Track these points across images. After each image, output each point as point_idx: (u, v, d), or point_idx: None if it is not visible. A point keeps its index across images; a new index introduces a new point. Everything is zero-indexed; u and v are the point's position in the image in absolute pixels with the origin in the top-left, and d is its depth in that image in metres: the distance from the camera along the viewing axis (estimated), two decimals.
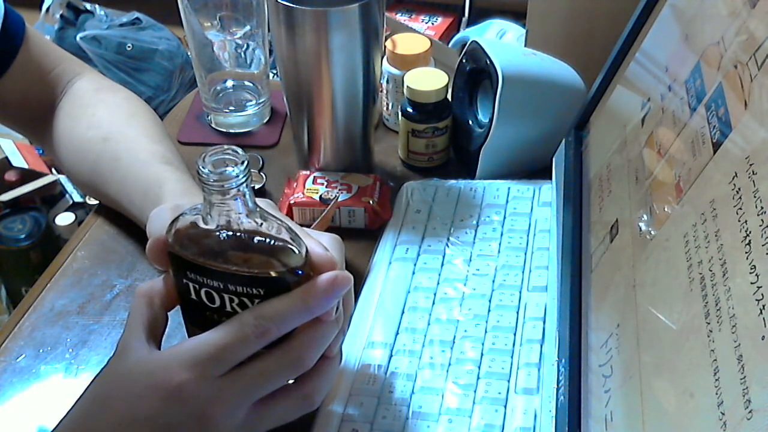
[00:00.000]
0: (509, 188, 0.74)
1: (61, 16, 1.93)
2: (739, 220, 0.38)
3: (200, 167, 0.45)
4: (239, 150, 0.46)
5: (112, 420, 0.47)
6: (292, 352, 0.49)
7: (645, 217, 0.50)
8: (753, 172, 0.38)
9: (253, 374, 0.48)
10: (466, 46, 0.78)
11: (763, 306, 0.34)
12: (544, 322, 0.60)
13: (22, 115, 0.77)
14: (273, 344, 0.49)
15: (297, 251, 0.49)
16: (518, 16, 0.99)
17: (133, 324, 0.50)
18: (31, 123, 0.78)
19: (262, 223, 0.48)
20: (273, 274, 0.48)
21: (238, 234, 0.48)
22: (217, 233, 0.48)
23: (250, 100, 0.86)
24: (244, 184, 0.46)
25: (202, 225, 0.48)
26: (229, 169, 0.46)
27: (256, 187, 0.77)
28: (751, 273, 0.36)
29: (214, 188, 0.45)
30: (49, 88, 0.75)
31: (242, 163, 0.46)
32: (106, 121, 0.72)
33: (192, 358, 0.47)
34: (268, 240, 0.48)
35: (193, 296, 0.50)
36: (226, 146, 0.47)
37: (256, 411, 0.49)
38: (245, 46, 0.83)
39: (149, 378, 0.47)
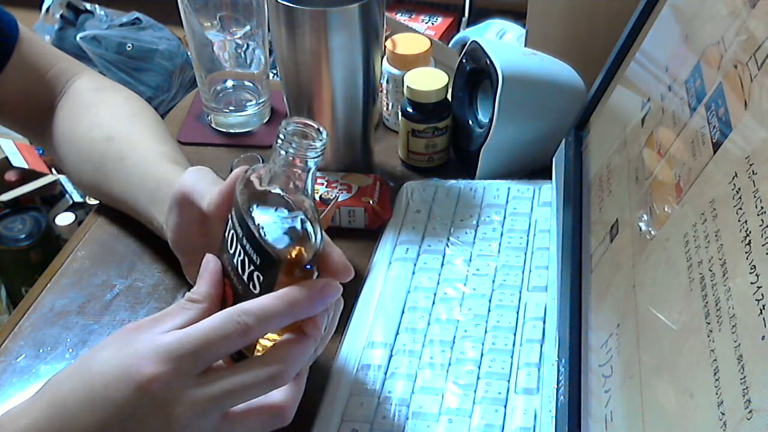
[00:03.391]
0: (509, 188, 0.74)
1: (61, 16, 1.93)
2: (739, 220, 0.38)
3: (283, 128, 0.48)
4: (322, 128, 0.49)
5: (87, 397, 0.46)
6: (273, 365, 0.47)
7: (645, 217, 0.50)
8: (753, 172, 0.38)
9: (230, 383, 0.46)
10: (466, 46, 0.78)
11: (763, 306, 0.34)
12: (544, 322, 0.60)
13: (21, 115, 0.77)
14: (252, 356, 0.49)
15: (312, 246, 0.49)
16: (518, 16, 0.99)
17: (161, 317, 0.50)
18: (30, 123, 0.77)
19: (305, 204, 0.50)
20: (276, 251, 0.48)
21: (286, 199, 0.49)
22: (273, 188, 0.49)
23: (250, 100, 0.86)
24: (315, 161, 0.48)
25: (264, 177, 0.50)
26: (309, 140, 0.48)
27: None
28: (751, 273, 0.36)
29: (290, 152, 0.48)
30: (47, 88, 0.75)
31: (320, 141, 0.48)
32: (108, 120, 0.72)
33: (170, 351, 0.46)
34: (296, 222, 0.49)
35: (226, 232, 0.51)
36: (309, 120, 0.49)
37: (226, 421, 0.48)
38: (245, 46, 0.83)
39: (127, 362, 0.46)
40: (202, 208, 0.56)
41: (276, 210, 0.50)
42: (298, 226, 0.49)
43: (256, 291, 0.49)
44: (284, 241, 0.49)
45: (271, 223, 0.49)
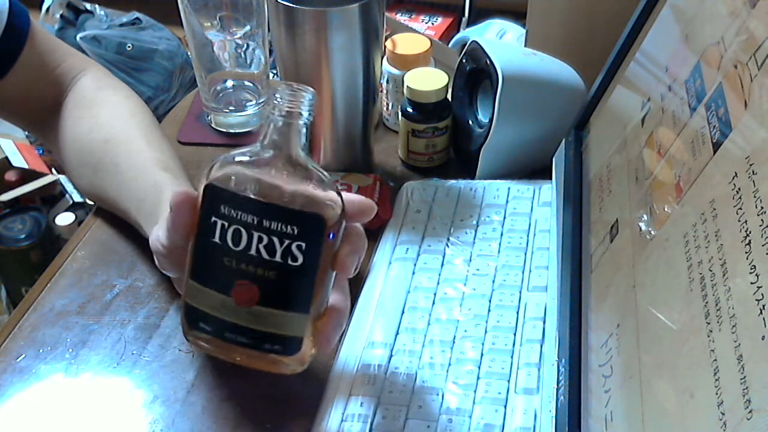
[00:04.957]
0: (509, 188, 0.74)
1: (61, 16, 1.93)
2: (739, 220, 0.38)
3: (275, 91, 0.52)
4: (309, 88, 0.53)
5: None
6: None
7: (645, 217, 0.50)
8: (753, 172, 0.38)
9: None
10: (466, 46, 0.78)
11: (763, 306, 0.34)
12: (544, 322, 0.60)
13: (28, 112, 0.77)
14: None
15: (336, 200, 0.51)
16: (518, 16, 0.99)
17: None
18: (36, 120, 0.77)
19: (310, 163, 0.52)
20: (315, 212, 0.50)
21: (289, 162, 0.51)
22: (268, 162, 0.51)
23: (250, 100, 0.86)
24: (308, 114, 0.52)
25: (249, 157, 0.52)
26: (303, 93, 0.52)
27: None
28: (751, 273, 0.36)
29: (285, 107, 0.51)
30: (54, 85, 0.75)
31: (310, 94, 0.52)
32: (107, 122, 0.72)
33: None
34: (316, 178, 0.51)
35: (217, 238, 0.50)
36: (297, 84, 0.53)
37: None
38: (245, 46, 0.83)
39: None
40: None
41: (292, 176, 0.51)
42: (320, 182, 0.51)
43: (299, 262, 0.50)
44: (317, 200, 0.50)
45: (295, 190, 0.51)
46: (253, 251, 0.49)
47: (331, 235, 0.51)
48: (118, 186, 0.68)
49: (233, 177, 0.51)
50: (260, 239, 0.49)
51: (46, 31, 0.77)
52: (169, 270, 0.59)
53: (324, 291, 0.53)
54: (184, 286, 0.54)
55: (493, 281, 0.65)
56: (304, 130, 0.52)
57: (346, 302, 0.55)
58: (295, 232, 0.49)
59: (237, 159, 0.52)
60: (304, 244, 0.49)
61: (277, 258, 0.49)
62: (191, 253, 0.53)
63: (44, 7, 1.95)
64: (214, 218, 0.50)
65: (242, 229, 0.50)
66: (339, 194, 0.52)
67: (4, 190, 1.66)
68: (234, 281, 0.51)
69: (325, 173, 0.52)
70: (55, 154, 0.77)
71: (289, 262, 0.49)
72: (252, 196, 0.50)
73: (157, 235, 0.56)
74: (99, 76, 0.77)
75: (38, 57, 0.74)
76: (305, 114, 0.52)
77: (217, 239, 0.50)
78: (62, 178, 1.69)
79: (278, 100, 0.52)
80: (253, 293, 0.50)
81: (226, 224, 0.50)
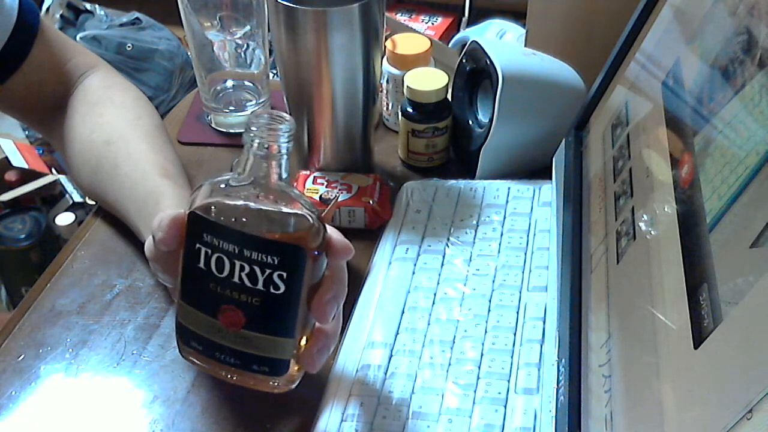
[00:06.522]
0: (509, 188, 0.74)
1: (61, 16, 1.93)
2: None
3: (251, 122, 0.50)
4: (287, 116, 0.51)
5: None
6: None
7: (645, 217, 0.50)
8: None
9: None
10: (466, 46, 0.78)
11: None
12: (544, 322, 0.60)
13: (34, 109, 0.76)
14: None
15: (317, 227, 0.51)
16: (518, 16, 0.99)
17: None
18: (42, 117, 0.77)
19: (292, 192, 0.51)
20: (296, 244, 0.50)
21: (269, 193, 0.50)
22: (248, 192, 0.50)
23: (250, 100, 0.86)
24: (287, 145, 0.51)
25: (233, 184, 0.51)
26: (279, 126, 0.50)
27: None
28: None
29: (261, 141, 0.50)
30: (62, 83, 0.75)
31: (288, 124, 0.51)
32: (110, 123, 0.72)
33: None
34: (295, 208, 0.51)
35: (202, 264, 0.50)
36: (274, 112, 0.52)
37: None
38: (245, 46, 0.83)
39: None
40: None
41: (273, 205, 0.51)
42: (301, 211, 0.51)
43: (280, 290, 0.50)
44: (298, 229, 0.50)
45: (276, 219, 0.50)
46: (236, 279, 0.50)
47: (314, 260, 0.51)
48: (118, 189, 0.68)
49: (214, 206, 0.51)
50: (242, 268, 0.49)
51: (54, 28, 0.77)
52: (162, 277, 0.59)
53: (309, 315, 0.53)
54: (176, 304, 0.54)
55: (493, 281, 0.65)
56: (284, 159, 0.51)
57: (336, 325, 0.55)
58: (276, 262, 0.49)
59: (220, 186, 0.51)
60: (285, 274, 0.49)
61: (260, 286, 0.50)
62: (181, 275, 0.53)
63: (44, 7, 1.95)
64: (198, 245, 0.50)
65: (225, 258, 0.50)
66: (321, 221, 0.51)
67: (4, 190, 1.66)
68: (220, 305, 0.51)
69: (306, 199, 0.52)
70: (59, 151, 0.77)
71: (272, 290, 0.50)
72: (232, 227, 0.50)
73: (151, 243, 0.56)
74: (107, 75, 0.77)
75: (47, 54, 0.73)
76: (284, 148, 0.51)
77: (202, 265, 0.51)
78: (62, 178, 1.69)
79: (254, 131, 0.50)
80: (239, 318, 0.51)
81: (210, 251, 0.50)
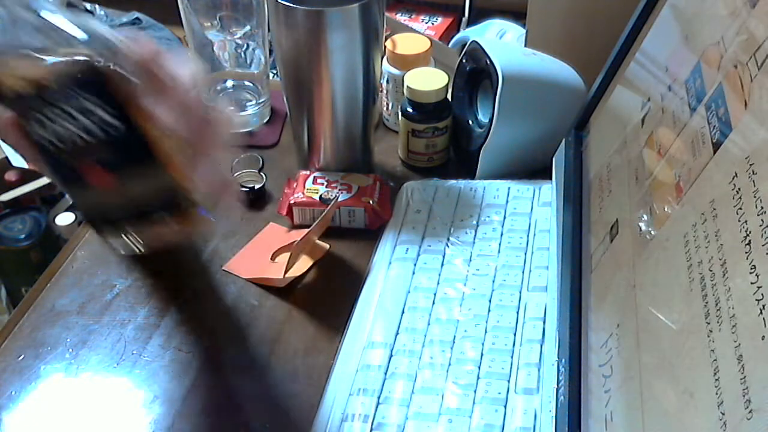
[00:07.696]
0: (509, 188, 0.74)
1: None
2: (739, 220, 0.38)
3: None
4: None
5: None
6: None
7: (645, 217, 0.50)
8: (753, 172, 0.38)
9: None
10: (466, 46, 0.78)
11: (763, 306, 0.34)
12: (544, 322, 0.60)
13: None
14: None
15: (104, 52, 0.46)
16: (518, 16, 0.99)
17: None
18: None
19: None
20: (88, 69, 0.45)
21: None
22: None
23: (250, 100, 0.86)
24: None
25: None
26: None
27: (256, 187, 0.77)
28: (751, 273, 0.36)
29: None
30: None
31: None
32: None
33: None
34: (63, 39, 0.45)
35: (46, 143, 0.47)
36: None
37: None
38: (245, 46, 0.83)
39: None
40: None
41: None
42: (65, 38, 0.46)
43: (109, 123, 0.46)
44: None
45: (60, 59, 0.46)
46: (74, 137, 0.47)
47: (116, 76, 0.46)
48: None
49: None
50: (69, 120, 0.46)
51: None
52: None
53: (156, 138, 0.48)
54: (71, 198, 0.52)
55: (493, 281, 0.65)
56: None
57: (197, 134, 0.48)
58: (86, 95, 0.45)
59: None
60: (106, 109, 0.46)
61: (94, 130, 0.46)
62: (44, 169, 0.50)
63: None
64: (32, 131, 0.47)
65: (53, 123, 0.47)
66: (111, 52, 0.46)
67: (4, 190, 1.66)
68: (82, 172, 0.49)
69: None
70: None
71: (103, 128, 0.46)
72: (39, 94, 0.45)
73: None
74: None
75: None
76: None
77: (46, 144, 0.48)
78: None
79: None
80: (102, 173, 0.49)
81: (43, 131, 0.47)
